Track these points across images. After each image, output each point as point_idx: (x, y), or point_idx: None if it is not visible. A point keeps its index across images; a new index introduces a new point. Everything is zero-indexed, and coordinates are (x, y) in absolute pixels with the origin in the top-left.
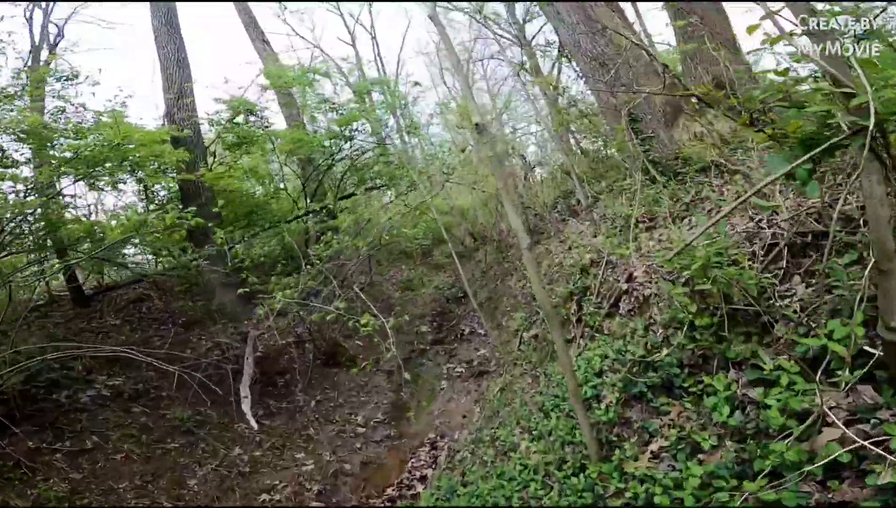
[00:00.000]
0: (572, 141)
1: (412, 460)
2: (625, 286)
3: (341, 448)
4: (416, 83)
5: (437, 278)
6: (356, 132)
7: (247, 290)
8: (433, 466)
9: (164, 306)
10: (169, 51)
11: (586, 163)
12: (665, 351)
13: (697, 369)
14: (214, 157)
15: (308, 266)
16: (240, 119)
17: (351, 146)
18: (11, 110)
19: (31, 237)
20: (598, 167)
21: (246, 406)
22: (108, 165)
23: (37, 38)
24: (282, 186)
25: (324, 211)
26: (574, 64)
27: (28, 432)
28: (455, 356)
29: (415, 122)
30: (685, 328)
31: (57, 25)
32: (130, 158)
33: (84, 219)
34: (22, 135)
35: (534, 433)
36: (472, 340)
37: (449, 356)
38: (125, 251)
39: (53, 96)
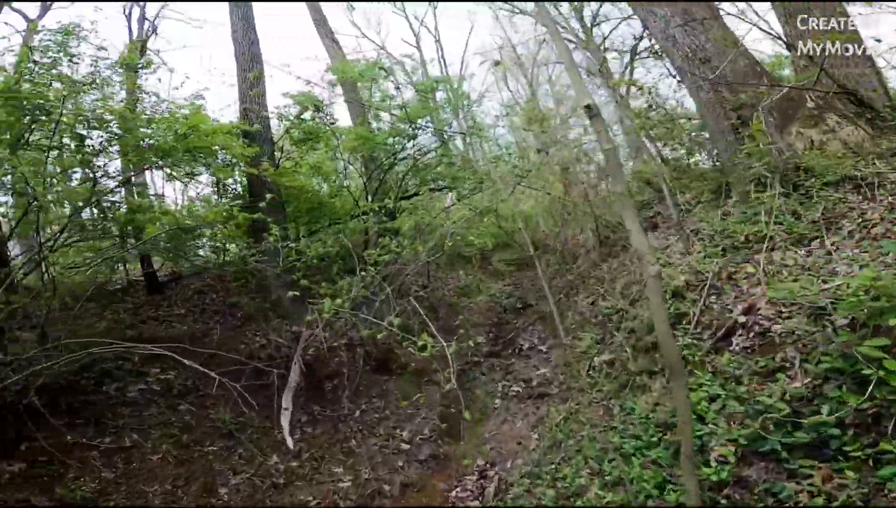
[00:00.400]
0: (651, 148)
1: (457, 488)
2: (742, 319)
3: (382, 465)
4: (497, 62)
5: (494, 286)
6: (419, 130)
7: (296, 293)
8: (480, 498)
9: (224, 300)
10: (244, 46)
11: (668, 172)
12: (825, 409)
13: (865, 429)
14: (282, 152)
15: (362, 272)
16: (307, 115)
17: (414, 145)
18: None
19: (106, 224)
20: (682, 177)
21: (285, 421)
22: (174, 155)
23: (134, 34)
24: (346, 183)
25: (383, 211)
26: (666, 62)
27: (70, 425)
28: (511, 373)
29: (478, 122)
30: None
31: (149, 20)
32: (194, 148)
33: (156, 207)
34: (104, 122)
35: (607, 477)
36: (532, 356)
37: (505, 373)
38: (195, 243)
39: (138, 90)
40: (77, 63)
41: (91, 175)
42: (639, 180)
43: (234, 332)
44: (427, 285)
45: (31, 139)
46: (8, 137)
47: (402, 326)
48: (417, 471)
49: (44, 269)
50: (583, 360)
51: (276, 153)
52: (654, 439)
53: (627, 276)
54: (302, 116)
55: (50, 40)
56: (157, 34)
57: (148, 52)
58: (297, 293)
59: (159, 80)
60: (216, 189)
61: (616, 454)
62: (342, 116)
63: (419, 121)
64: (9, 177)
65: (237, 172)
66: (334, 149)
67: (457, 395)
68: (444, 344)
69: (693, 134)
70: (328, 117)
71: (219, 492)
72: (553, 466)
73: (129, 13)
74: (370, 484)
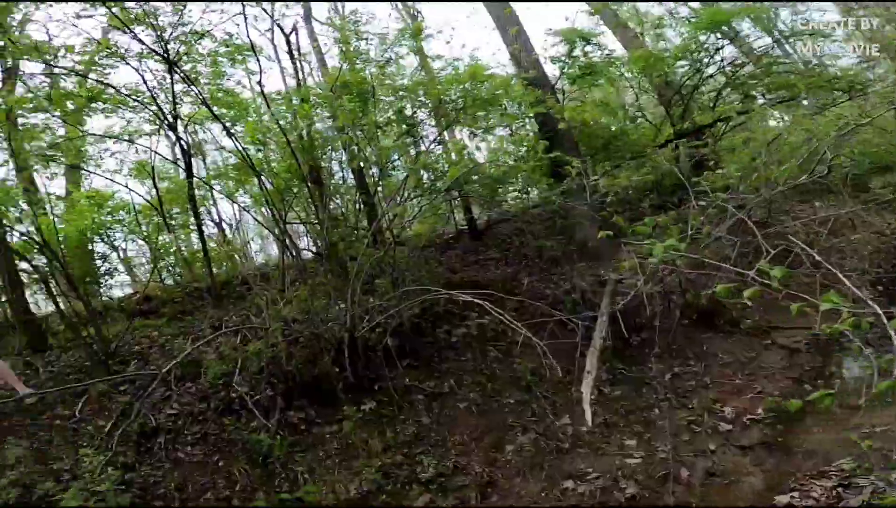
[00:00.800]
0: None
1: (791, 494)
2: None
3: (687, 444)
4: None
5: (876, 220)
6: (723, 41)
7: (610, 234)
8: None
9: (531, 244)
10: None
11: None
12: None
13: None
14: (563, 94)
15: (700, 202)
16: (577, 52)
17: (722, 60)
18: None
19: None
20: None
21: (586, 388)
22: (472, 109)
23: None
24: (638, 114)
25: (700, 132)
26: None
27: (411, 366)
28: None
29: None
30: None
31: None
32: (481, 101)
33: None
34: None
35: None
36: None
37: None
38: (504, 189)
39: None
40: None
41: (414, 139)
42: None
43: (541, 276)
44: (767, 221)
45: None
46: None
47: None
48: (733, 459)
49: (387, 224)
50: None
51: (557, 96)
52: None
53: None
54: (573, 54)
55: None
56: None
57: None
58: (610, 234)
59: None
60: (511, 136)
61: None
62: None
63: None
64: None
65: (511, 117)
66: (618, 79)
67: (817, 368)
68: (881, 311)
69: None
70: (600, 49)
71: (504, 450)
72: None
73: None
74: (664, 465)
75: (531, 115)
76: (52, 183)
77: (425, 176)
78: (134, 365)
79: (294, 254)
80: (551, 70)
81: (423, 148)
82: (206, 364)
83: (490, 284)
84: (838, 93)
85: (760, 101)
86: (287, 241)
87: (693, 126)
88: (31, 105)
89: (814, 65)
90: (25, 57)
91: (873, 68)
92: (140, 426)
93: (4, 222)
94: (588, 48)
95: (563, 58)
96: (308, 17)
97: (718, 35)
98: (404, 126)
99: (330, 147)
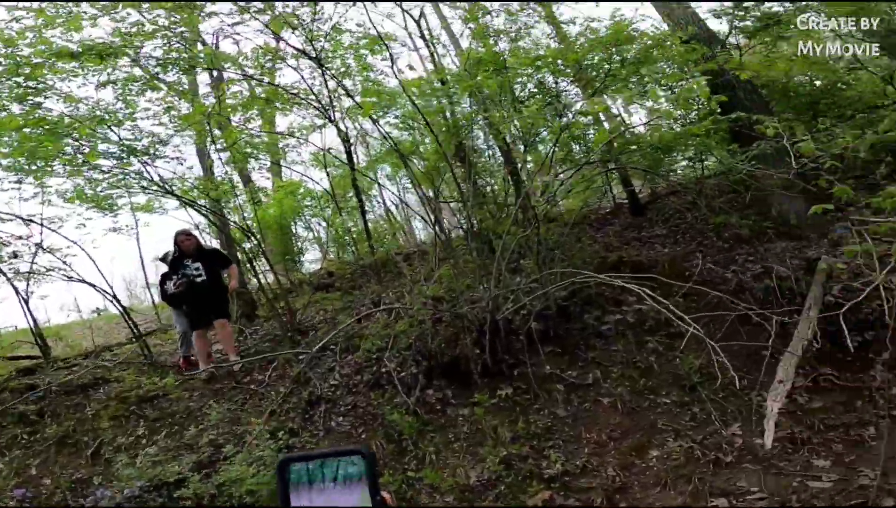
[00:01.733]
0: None
1: None
2: None
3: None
4: None
5: None
6: None
7: (827, 207)
8: None
9: (707, 219)
10: None
11: None
12: None
13: None
14: (740, 49)
15: None
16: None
17: None
18: None
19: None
20: None
21: (774, 402)
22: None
23: None
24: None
25: None
26: None
27: (554, 353)
28: None
29: None
30: None
31: None
32: (632, 61)
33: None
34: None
35: None
36: None
37: None
38: (671, 158)
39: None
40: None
41: (556, 110)
42: None
43: (722, 257)
44: None
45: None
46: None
47: None
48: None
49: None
50: None
51: (731, 52)
52: None
53: None
54: (744, 4)
55: None
56: None
57: None
58: (826, 207)
59: None
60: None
61: None
62: None
63: None
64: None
65: (691, 76)
66: (815, 29)
67: None
68: None
69: None
70: None
71: (648, 454)
72: None
73: None
74: (863, 494)
75: (696, 74)
76: (257, 177)
77: (576, 148)
78: (311, 336)
79: (443, 233)
80: (718, 26)
81: (568, 118)
82: (362, 339)
83: (653, 265)
84: None
85: None
86: (435, 219)
87: None
88: (236, 109)
89: None
90: (227, 66)
91: None
92: (308, 395)
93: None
94: None
95: (730, 10)
96: None
97: None
98: (547, 98)
99: (474, 125)
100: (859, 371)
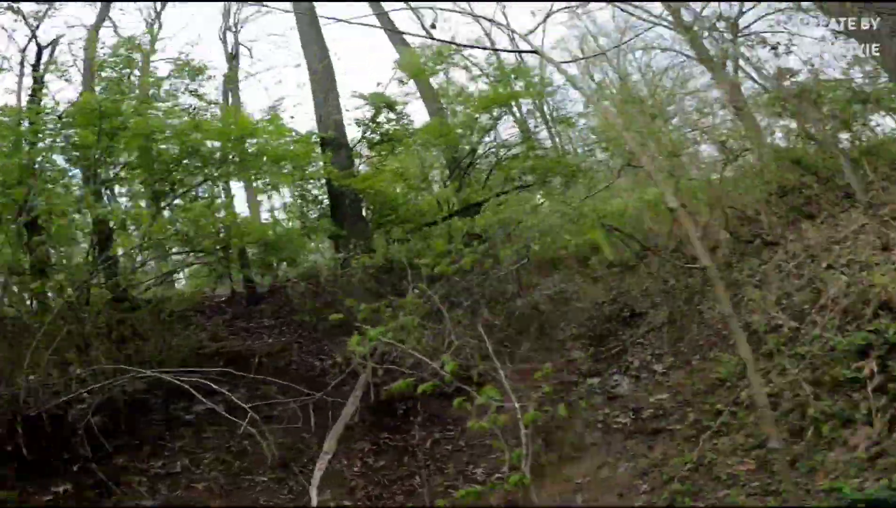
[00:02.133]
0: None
1: None
2: None
3: None
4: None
5: (593, 290)
6: (495, 121)
7: (342, 318)
8: None
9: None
10: (313, 52)
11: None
12: None
13: None
14: (361, 158)
15: (415, 289)
16: (381, 117)
17: (494, 138)
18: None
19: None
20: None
21: (318, 470)
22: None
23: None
24: (423, 186)
25: (466, 211)
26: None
27: (129, 446)
28: (617, 400)
29: (562, 114)
30: None
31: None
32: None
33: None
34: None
35: None
36: (643, 378)
37: (608, 397)
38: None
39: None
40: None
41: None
42: (775, 162)
43: (314, 346)
44: (519, 293)
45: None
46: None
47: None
48: None
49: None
50: (719, 390)
51: (356, 160)
52: None
53: (787, 280)
54: (376, 120)
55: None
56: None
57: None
58: (342, 318)
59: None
60: (300, 199)
61: None
62: (422, 118)
63: (495, 112)
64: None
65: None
66: (411, 148)
67: (545, 425)
68: (516, 405)
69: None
70: (403, 117)
71: None
72: None
73: (224, 37)
74: None
75: (317, 177)
76: None
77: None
78: None
79: None
80: (355, 133)
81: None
82: None
83: (251, 355)
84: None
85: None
86: None
87: (465, 203)
88: None
89: (564, 150)
90: None
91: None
92: None
93: None
94: (391, 115)
95: (367, 122)
96: None
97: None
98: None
99: None
100: (405, 431)
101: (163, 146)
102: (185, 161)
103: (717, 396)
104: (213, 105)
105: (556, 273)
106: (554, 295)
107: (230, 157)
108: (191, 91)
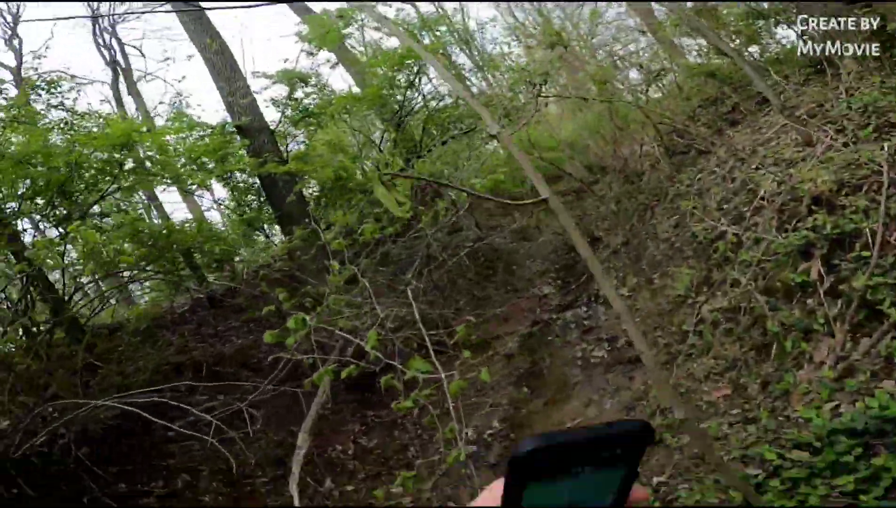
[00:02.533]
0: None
1: None
2: None
3: (446, 477)
4: None
5: (553, 223)
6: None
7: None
8: None
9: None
10: (203, 41)
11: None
12: None
13: None
14: (286, 138)
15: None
16: (299, 93)
17: (418, 93)
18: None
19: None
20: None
21: (296, 466)
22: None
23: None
24: (361, 152)
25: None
26: None
27: (123, 472)
28: (591, 332)
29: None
30: None
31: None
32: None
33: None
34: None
35: None
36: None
37: (582, 331)
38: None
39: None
40: None
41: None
42: (697, 76)
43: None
44: (481, 237)
45: None
46: None
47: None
48: (490, 479)
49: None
50: (682, 308)
51: (286, 139)
52: (845, 450)
53: (722, 185)
54: (293, 97)
55: None
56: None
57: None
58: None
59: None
60: (233, 191)
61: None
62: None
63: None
64: None
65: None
66: (333, 119)
67: (528, 370)
68: (443, 376)
69: None
70: (322, 89)
71: None
72: None
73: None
74: (434, 503)
75: (238, 169)
76: None
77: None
78: None
79: None
80: (273, 114)
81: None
82: None
83: (219, 360)
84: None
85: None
86: None
87: (405, 159)
88: None
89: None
90: None
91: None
92: None
93: None
94: (309, 89)
95: (284, 100)
96: None
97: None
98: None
99: None
100: (390, 406)
101: (43, 168)
102: (74, 177)
103: (682, 314)
104: (94, 115)
105: (517, 212)
106: (515, 233)
107: (122, 165)
108: (54, 106)
